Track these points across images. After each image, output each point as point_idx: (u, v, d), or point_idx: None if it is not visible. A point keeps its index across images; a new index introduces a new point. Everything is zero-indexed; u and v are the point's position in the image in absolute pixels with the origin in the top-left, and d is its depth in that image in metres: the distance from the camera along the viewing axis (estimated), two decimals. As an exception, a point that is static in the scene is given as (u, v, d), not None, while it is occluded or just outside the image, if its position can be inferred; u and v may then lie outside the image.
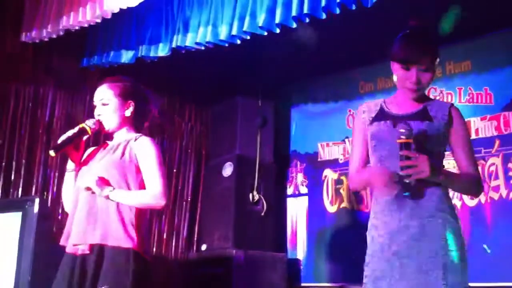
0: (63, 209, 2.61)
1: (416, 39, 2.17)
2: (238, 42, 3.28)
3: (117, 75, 2.62)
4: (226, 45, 3.34)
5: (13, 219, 3.01)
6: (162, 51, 3.53)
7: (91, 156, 2.47)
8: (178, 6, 3.50)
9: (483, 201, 3.62)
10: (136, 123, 2.51)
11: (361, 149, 2.28)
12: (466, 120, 3.58)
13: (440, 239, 2.06)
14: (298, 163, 4.62)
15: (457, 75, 3.87)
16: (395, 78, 2.21)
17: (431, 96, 3.76)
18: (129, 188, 2.34)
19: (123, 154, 2.38)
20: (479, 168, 3.54)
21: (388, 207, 2.13)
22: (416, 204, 2.09)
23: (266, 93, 4.46)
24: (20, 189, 3.67)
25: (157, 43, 3.55)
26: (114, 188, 2.31)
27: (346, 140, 4.25)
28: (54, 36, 3.56)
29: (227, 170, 4.27)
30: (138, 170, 2.38)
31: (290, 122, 4.73)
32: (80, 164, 2.44)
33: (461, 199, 3.69)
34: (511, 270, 3.38)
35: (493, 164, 3.61)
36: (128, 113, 2.46)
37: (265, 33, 3.11)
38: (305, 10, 2.85)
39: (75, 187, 2.40)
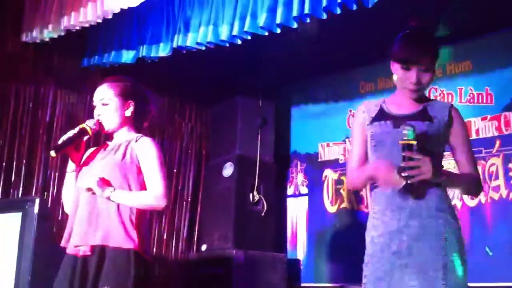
0: (63, 209, 2.61)
1: (416, 39, 2.17)
2: (239, 42, 3.28)
3: (117, 75, 2.62)
4: (227, 45, 3.34)
5: (13, 219, 3.01)
6: (163, 51, 3.53)
7: (92, 156, 2.47)
8: (179, 6, 3.50)
9: (483, 201, 3.62)
10: (136, 123, 2.50)
11: (360, 148, 2.28)
12: (466, 120, 3.62)
13: (440, 239, 2.06)
14: (299, 163, 4.62)
15: (457, 75, 3.87)
16: (395, 78, 2.21)
17: (432, 97, 3.80)
18: (130, 189, 2.34)
19: (124, 154, 2.37)
20: (479, 168, 3.59)
21: (387, 207, 2.13)
22: (416, 204, 2.09)
23: (266, 93, 4.46)
24: (20, 189, 3.67)
25: (158, 43, 3.55)
26: (115, 189, 2.30)
27: (347, 140, 4.25)
28: (55, 36, 3.55)
29: (227, 170, 4.27)
30: (139, 171, 2.37)
31: (290, 122, 4.73)
32: (80, 165, 2.44)
33: (461, 199, 3.69)
34: (511, 270, 3.38)
35: (494, 164, 3.62)
36: (128, 113, 2.45)
37: (266, 33, 3.11)
38: (306, 10, 2.86)
39: (76, 188, 2.39)
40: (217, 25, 3.26)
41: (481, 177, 3.56)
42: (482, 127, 3.69)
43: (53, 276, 2.32)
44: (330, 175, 4.39)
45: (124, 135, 2.46)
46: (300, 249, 4.46)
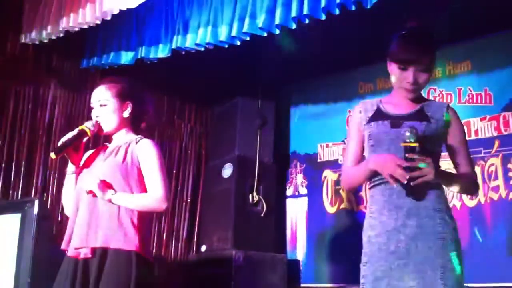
0: (62, 210, 2.61)
1: (413, 39, 2.18)
2: (238, 43, 3.28)
3: (114, 76, 2.62)
4: (226, 46, 3.34)
5: (13, 220, 3.01)
6: (162, 52, 3.53)
7: (91, 158, 2.46)
8: (178, 7, 3.50)
9: (482, 201, 3.62)
10: (134, 124, 2.50)
11: (356, 148, 2.29)
12: (465, 120, 3.66)
13: (438, 238, 2.07)
14: (298, 164, 4.62)
15: (456, 75, 3.88)
16: (392, 78, 2.21)
17: (431, 97, 3.80)
18: (131, 191, 2.34)
19: (125, 157, 2.37)
20: (479, 168, 3.60)
21: (385, 206, 2.13)
22: (413, 204, 2.10)
23: (266, 94, 4.46)
24: (20, 190, 3.67)
25: (157, 44, 3.55)
26: (116, 192, 2.30)
27: (346, 141, 4.24)
28: (54, 37, 3.56)
29: (227, 171, 4.27)
30: (140, 173, 2.38)
31: (289, 123, 4.73)
32: (80, 167, 2.44)
33: (460, 199, 3.69)
34: (510, 270, 3.38)
35: (493, 164, 3.62)
36: (126, 114, 2.46)
37: (265, 34, 3.11)
38: (305, 11, 2.86)
39: (76, 190, 2.39)
40: (216, 26, 3.26)
41: (480, 177, 3.60)
42: (481, 127, 3.69)
43: (53, 277, 2.32)
44: (329, 175, 4.39)
45: (124, 136, 2.46)
46: (299, 250, 4.46)
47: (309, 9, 2.85)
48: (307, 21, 2.95)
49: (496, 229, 3.54)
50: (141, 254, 2.27)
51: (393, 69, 2.19)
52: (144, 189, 2.37)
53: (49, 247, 2.89)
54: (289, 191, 4.64)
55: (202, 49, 3.41)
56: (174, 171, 4.44)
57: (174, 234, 4.40)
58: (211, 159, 4.55)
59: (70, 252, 2.29)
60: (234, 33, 3.16)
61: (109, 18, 3.30)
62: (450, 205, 3.60)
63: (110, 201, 2.29)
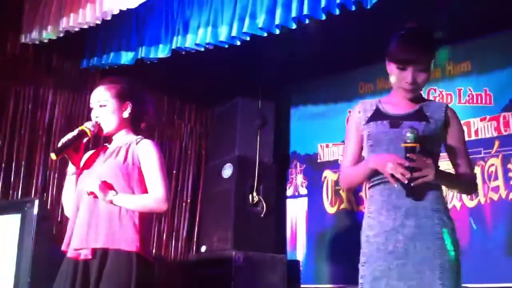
0: (62, 210, 2.61)
1: (412, 39, 2.18)
2: (238, 43, 3.28)
3: (114, 76, 2.61)
4: (226, 46, 3.34)
5: (13, 220, 3.01)
6: (162, 52, 3.53)
7: (92, 159, 2.46)
8: (178, 7, 3.50)
9: (482, 201, 3.62)
10: (134, 124, 2.50)
11: (354, 148, 2.29)
12: (465, 121, 3.67)
13: (436, 239, 2.07)
14: (298, 164, 4.62)
15: (457, 76, 3.88)
16: (391, 78, 2.21)
17: (431, 97, 3.80)
18: (132, 192, 2.34)
19: (125, 157, 2.37)
20: (479, 169, 3.60)
21: (383, 206, 2.14)
22: (412, 204, 2.10)
23: (266, 94, 4.46)
24: (20, 191, 3.67)
25: (157, 44, 3.55)
26: (117, 193, 2.30)
27: (345, 140, 4.24)
28: (54, 37, 3.56)
29: (227, 171, 4.27)
30: (140, 173, 2.38)
31: (290, 123, 4.73)
32: (80, 168, 2.43)
33: (460, 199, 3.69)
34: (510, 270, 3.38)
35: (493, 165, 3.62)
36: (126, 114, 2.45)
37: (265, 34, 3.11)
38: (305, 11, 2.86)
39: (76, 191, 2.39)
40: (216, 26, 3.26)
41: (480, 177, 3.61)
42: (481, 128, 3.69)
43: (53, 278, 2.32)
44: (329, 176, 4.38)
45: (124, 137, 2.46)
46: (299, 250, 4.46)
47: (309, 9, 2.85)
48: (307, 21, 2.95)
49: (496, 230, 3.54)
50: (141, 254, 2.27)
51: (392, 69, 2.19)
52: (144, 190, 2.37)
53: (49, 247, 2.89)
54: (289, 191, 4.63)
55: (202, 49, 3.41)
56: (174, 171, 4.44)
57: (174, 234, 4.40)
58: (211, 159, 4.55)
59: (70, 253, 2.29)
60: (234, 33, 3.16)
61: (109, 18, 3.29)
62: (450, 205, 3.65)
63: (111, 202, 2.28)
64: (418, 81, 2.17)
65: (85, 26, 3.41)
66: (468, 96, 3.79)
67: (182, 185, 4.50)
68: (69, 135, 2.35)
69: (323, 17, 2.87)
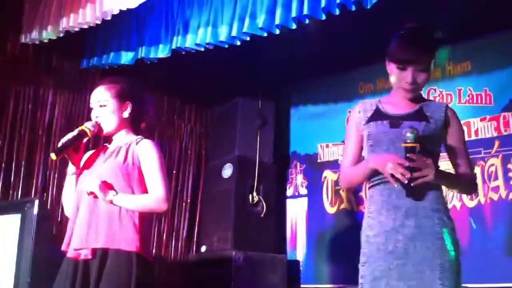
0: (62, 210, 2.61)
1: (412, 39, 2.18)
2: (238, 43, 3.28)
3: (114, 76, 2.61)
4: (226, 46, 3.34)
5: (13, 220, 3.01)
6: (162, 52, 3.53)
7: (92, 159, 2.46)
8: (178, 7, 3.50)
9: (482, 201, 3.62)
10: (134, 124, 2.50)
11: (354, 148, 2.29)
12: (465, 121, 3.67)
13: (436, 239, 2.07)
14: (298, 164, 4.62)
15: (457, 76, 3.88)
16: (391, 78, 2.21)
17: (431, 97, 3.80)
18: (132, 192, 2.34)
19: (126, 157, 2.37)
20: (479, 169, 3.60)
21: (383, 206, 2.14)
22: (411, 204, 2.10)
23: (266, 94, 4.46)
24: (20, 191, 3.67)
25: (157, 44, 3.55)
26: (117, 193, 2.30)
27: (345, 140, 4.24)
28: (54, 37, 3.56)
29: (227, 171, 4.27)
30: (141, 173, 2.38)
31: (290, 123, 4.73)
32: (80, 168, 2.43)
33: (460, 199, 3.69)
34: (510, 270, 3.38)
35: (493, 165, 3.62)
36: (126, 114, 2.45)
37: (265, 34, 3.11)
38: (305, 11, 2.86)
39: (76, 191, 2.39)
40: (216, 26, 3.26)
41: (480, 177, 3.61)
42: (481, 128, 3.69)
43: (53, 278, 2.32)
44: (329, 176, 4.38)
45: (124, 137, 2.46)
46: (299, 250, 4.46)
47: (309, 9, 2.85)
48: (307, 21, 2.95)
49: (496, 230, 3.54)
50: (141, 254, 2.27)
51: (392, 69, 2.19)
52: (144, 190, 2.37)
53: (49, 247, 2.89)
54: (289, 192, 4.63)
55: (202, 49, 3.41)
56: (174, 171, 4.44)
57: (174, 234, 4.40)
58: (211, 159, 4.55)
59: (70, 253, 2.29)
60: (234, 33, 3.16)
61: (109, 18, 3.29)
62: (450, 205, 3.65)
63: (111, 202, 2.28)
64: (418, 81, 2.17)
65: (85, 26, 3.41)
66: (468, 96, 3.79)
67: (182, 185, 4.50)
68: (69, 135, 2.35)
69: (323, 17, 2.87)
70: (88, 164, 2.44)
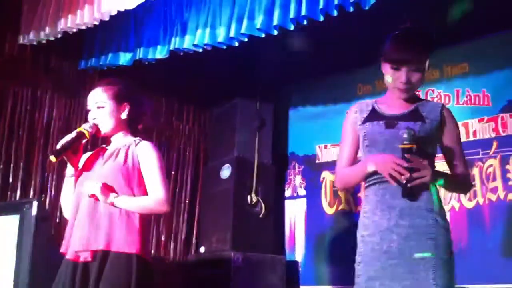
0: (61, 211, 2.61)
1: (406, 39, 2.19)
2: (236, 44, 3.28)
3: (110, 78, 2.62)
4: (224, 47, 3.34)
5: (11, 221, 3.00)
6: (160, 53, 3.53)
7: (90, 161, 2.46)
8: (176, 8, 3.50)
9: (481, 202, 3.62)
10: (131, 126, 2.50)
11: (350, 149, 2.30)
12: (464, 121, 3.67)
13: (430, 239, 2.07)
14: (296, 165, 4.62)
15: (455, 77, 3.88)
16: (385, 78, 2.22)
17: (429, 98, 3.81)
18: (132, 194, 2.34)
19: (125, 159, 2.38)
20: (477, 169, 3.60)
21: (378, 206, 2.14)
22: (406, 204, 2.10)
23: (264, 95, 4.46)
24: (18, 192, 3.66)
25: (155, 45, 3.55)
26: (118, 195, 2.30)
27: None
28: (52, 38, 3.55)
29: (226, 172, 4.27)
30: (140, 175, 2.38)
31: (288, 124, 4.73)
32: (79, 170, 2.43)
33: (459, 200, 3.69)
34: (507, 271, 3.39)
35: (491, 165, 3.62)
36: (124, 115, 2.46)
37: (263, 35, 3.11)
38: (303, 12, 2.86)
39: (75, 193, 2.39)
40: (214, 27, 3.27)
41: (479, 178, 3.61)
42: (479, 129, 3.69)
43: (52, 279, 2.32)
44: (328, 177, 4.38)
45: (122, 139, 2.46)
46: (298, 251, 4.46)
47: (307, 10, 2.85)
48: (305, 22, 2.95)
49: (494, 230, 3.54)
50: (141, 256, 2.28)
51: (386, 69, 2.20)
52: (144, 191, 2.37)
53: (47, 248, 2.88)
54: (287, 192, 4.63)
55: (200, 50, 3.41)
56: (173, 172, 4.44)
57: (172, 235, 4.40)
58: (210, 160, 4.55)
59: (70, 255, 2.29)
60: (232, 34, 3.16)
61: (107, 19, 3.29)
62: (449, 206, 3.66)
63: (112, 204, 2.29)
64: (413, 80, 2.17)
65: (83, 27, 3.41)
66: (466, 97, 3.79)
67: (180, 186, 4.50)
68: (68, 137, 2.35)
69: (321, 18, 2.87)
70: (87, 166, 2.44)
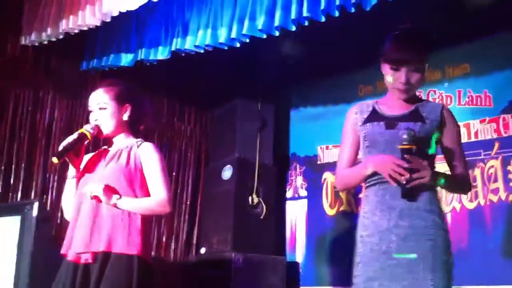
0: (62, 212, 2.61)
1: (405, 39, 2.19)
2: (238, 45, 3.29)
3: (111, 79, 2.62)
4: (226, 48, 3.34)
5: (12, 222, 3.01)
6: (161, 54, 3.53)
7: (92, 162, 2.46)
8: (177, 9, 3.50)
9: (482, 203, 3.62)
10: (133, 127, 2.51)
11: (351, 149, 2.30)
12: (465, 122, 3.67)
13: (429, 240, 2.08)
14: (298, 166, 4.62)
15: (456, 78, 3.88)
16: (385, 79, 2.22)
17: (431, 99, 3.80)
18: (135, 195, 2.34)
19: (128, 160, 2.38)
20: (479, 170, 3.60)
21: (377, 207, 2.15)
22: (405, 205, 2.11)
23: (265, 96, 4.46)
24: (20, 193, 3.66)
25: (157, 46, 3.55)
26: (121, 196, 2.31)
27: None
28: (54, 39, 3.56)
29: (227, 173, 4.27)
30: (143, 176, 2.39)
31: (289, 125, 4.73)
32: (81, 171, 2.43)
33: (460, 201, 3.69)
34: (508, 272, 3.38)
35: (492, 166, 3.61)
36: (125, 116, 2.46)
37: (264, 36, 3.11)
38: (305, 13, 2.86)
39: (77, 195, 2.39)
40: (216, 28, 3.27)
41: (480, 179, 3.61)
42: (480, 130, 3.69)
43: (52, 279, 2.32)
44: (329, 178, 4.38)
45: (124, 140, 2.47)
46: (299, 252, 4.46)
47: (309, 11, 2.85)
48: (306, 23, 2.95)
49: (495, 231, 3.53)
50: (142, 257, 2.28)
51: (386, 70, 2.20)
52: (146, 192, 2.38)
53: (48, 249, 2.89)
54: (288, 193, 4.63)
55: (202, 51, 3.41)
56: (174, 173, 4.43)
57: (173, 236, 4.40)
58: (211, 161, 4.55)
59: (71, 257, 2.29)
60: (233, 35, 3.17)
61: (108, 20, 3.30)
62: (450, 207, 3.65)
63: (115, 205, 2.29)
64: (412, 81, 2.17)
65: (85, 28, 3.41)
66: (468, 98, 3.79)
67: (182, 187, 4.50)
68: (70, 139, 2.36)
69: (323, 19, 2.87)
70: (89, 167, 2.44)
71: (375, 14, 2.78)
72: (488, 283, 3.43)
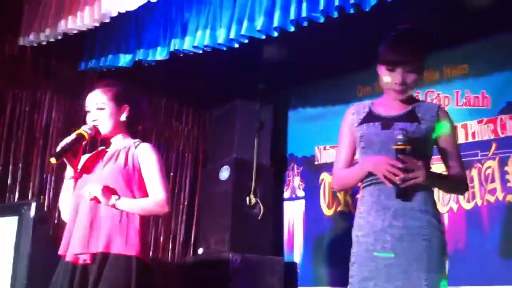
0: (59, 213, 2.61)
1: (400, 40, 2.20)
2: (236, 45, 3.28)
3: (109, 80, 2.62)
4: (224, 48, 3.34)
5: (10, 223, 3.01)
6: (160, 54, 3.53)
7: (90, 163, 2.46)
8: (176, 10, 3.50)
9: (479, 203, 3.63)
10: (131, 127, 2.51)
11: (347, 150, 2.31)
12: (463, 123, 3.68)
13: (423, 240, 2.09)
14: (295, 166, 4.62)
15: (454, 78, 3.89)
16: (382, 79, 2.22)
17: (428, 99, 3.81)
18: (133, 196, 2.35)
19: (126, 161, 2.38)
20: (476, 171, 3.61)
21: (373, 207, 2.15)
22: (400, 205, 2.12)
23: (264, 97, 4.46)
24: (17, 193, 3.66)
25: (155, 47, 3.55)
26: (119, 197, 2.30)
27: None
28: (52, 39, 3.55)
29: (224, 173, 4.27)
30: (141, 177, 2.39)
31: (287, 125, 4.73)
32: (79, 172, 2.43)
33: (457, 201, 3.69)
34: (506, 272, 3.39)
35: (490, 167, 3.62)
36: (123, 117, 2.46)
37: (263, 37, 3.11)
38: (303, 14, 2.87)
39: (75, 195, 2.39)
40: (215, 29, 3.26)
41: (477, 180, 3.61)
42: (478, 130, 3.70)
43: (50, 280, 2.32)
44: (326, 178, 4.38)
45: (121, 141, 2.46)
46: (296, 252, 4.46)
47: (308, 12, 2.85)
48: (305, 23, 2.95)
49: (493, 232, 3.54)
50: (141, 258, 2.28)
51: (382, 71, 2.21)
52: (145, 193, 2.38)
53: (45, 249, 2.88)
54: (286, 194, 4.64)
55: (200, 51, 3.41)
56: (172, 174, 4.43)
57: (171, 236, 4.39)
58: (209, 162, 4.55)
59: (69, 257, 2.28)
60: (232, 35, 3.16)
61: (107, 20, 3.29)
62: (447, 207, 3.66)
63: (114, 206, 2.29)
64: (408, 81, 2.18)
65: (84, 29, 3.40)
66: (466, 98, 3.80)
67: (179, 187, 4.50)
68: (68, 139, 2.36)
69: (322, 19, 2.87)
70: (87, 168, 2.44)
71: (374, 15, 2.78)
72: (485, 283, 3.44)
